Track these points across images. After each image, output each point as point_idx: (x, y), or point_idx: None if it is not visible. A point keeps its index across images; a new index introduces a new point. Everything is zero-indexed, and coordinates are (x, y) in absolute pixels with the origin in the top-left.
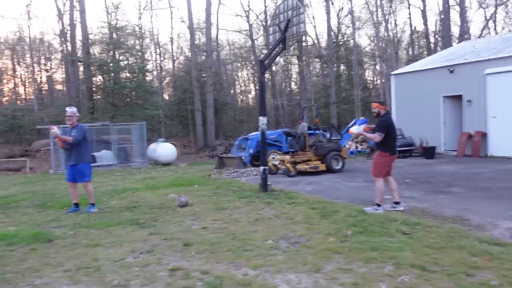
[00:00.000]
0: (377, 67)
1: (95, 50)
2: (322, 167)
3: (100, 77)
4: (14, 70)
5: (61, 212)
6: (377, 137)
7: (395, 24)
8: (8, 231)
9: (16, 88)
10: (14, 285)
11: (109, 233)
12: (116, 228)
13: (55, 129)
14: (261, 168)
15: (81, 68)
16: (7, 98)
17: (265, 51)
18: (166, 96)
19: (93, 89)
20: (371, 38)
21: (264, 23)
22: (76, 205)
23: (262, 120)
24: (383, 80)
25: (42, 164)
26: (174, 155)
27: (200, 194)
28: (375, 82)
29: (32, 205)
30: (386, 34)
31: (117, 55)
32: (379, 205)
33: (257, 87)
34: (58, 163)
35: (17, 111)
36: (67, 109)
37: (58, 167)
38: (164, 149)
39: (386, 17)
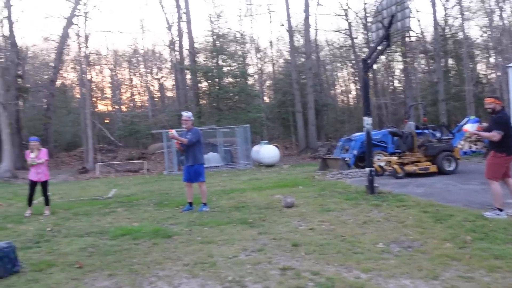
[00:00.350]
0: (491, 59)
1: (201, 57)
2: (433, 168)
3: (205, 83)
4: (130, 80)
5: (177, 210)
6: (496, 135)
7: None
8: (133, 226)
9: (133, 97)
10: (141, 276)
11: (221, 231)
12: (227, 226)
13: (172, 131)
14: (367, 169)
15: (188, 75)
16: (125, 106)
17: (365, 50)
18: (266, 99)
19: (200, 94)
20: (483, 29)
21: (364, 21)
22: (190, 204)
23: (367, 120)
24: (498, 74)
25: (157, 166)
26: (277, 157)
27: (305, 195)
28: (489, 76)
29: (151, 203)
30: (500, 23)
31: (220, 61)
32: (500, 210)
33: (357, 87)
34: (171, 165)
35: (135, 118)
36: (183, 113)
37: (171, 168)
38: (268, 151)
39: (500, 4)
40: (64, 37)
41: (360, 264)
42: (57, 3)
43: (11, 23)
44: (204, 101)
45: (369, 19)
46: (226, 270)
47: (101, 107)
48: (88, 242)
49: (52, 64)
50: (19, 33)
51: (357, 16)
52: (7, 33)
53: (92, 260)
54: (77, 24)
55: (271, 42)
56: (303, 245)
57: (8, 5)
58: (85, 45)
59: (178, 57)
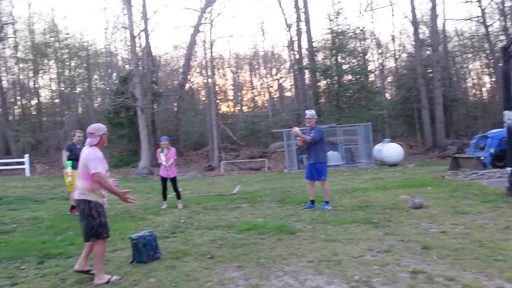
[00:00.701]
0: None
1: (319, 56)
2: None
3: (324, 81)
4: (251, 81)
5: (299, 208)
6: None
7: None
8: (258, 222)
9: (254, 97)
10: (268, 269)
11: (344, 230)
12: (351, 225)
13: (296, 129)
14: (509, 169)
15: (307, 75)
16: (247, 106)
17: (502, 38)
18: (388, 96)
19: (319, 93)
20: None
21: (501, 6)
22: (312, 202)
23: (508, 114)
24: None
25: (277, 164)
26: (401, 156)
27: (434, 196)
28: None
29: (273, 200)
30: None
31: (339, 59)
32: None
33: (493, 79)
34: (291, 163)
35: (255, 118)
36: (307, 112)
37: (291, 167)
38: (391, 150)
39: None
40: (192, 44)
41: (503, 272)
42: (186, 14)
43: (147, 35)
44: (324, 100)
45: (508, 4)
46: (352, 269)
47: (225, 108)
48: (217, 235)
49: (181, 70)
50: (153, 43)
51: (492, 1)
52: (144, 43)
53: (222, 251)
54: (203, 31)
55: (393, 36)
56: (435, 249)
57: (145, 19)
58: (210, 50)
59: (297, 56)
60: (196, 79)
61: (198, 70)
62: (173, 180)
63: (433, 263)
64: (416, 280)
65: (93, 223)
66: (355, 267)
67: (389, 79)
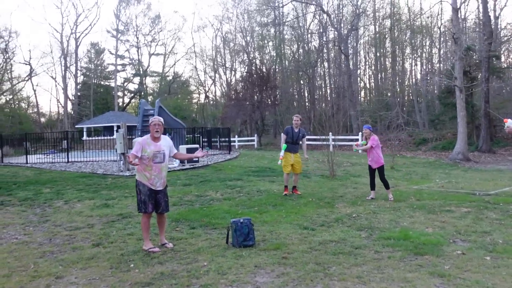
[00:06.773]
0: None
1: None
2: None
3: None
4: None
5: None
6: None
7: None
8: (414, 232)
9: None
10: (297, 285)
11: (480, 267)
12: None
13: (508, 122)
14: None
15: None
16: None
17: None
18: None
19: None
20: None
21: None
22: None
23: None
24: None
25: None
26: None
27: None
28: None
29: None
30: None
31: None
32: None
33: None
34: None
35: None
36: None
37: None
38: None
39: None
40: None
41: None
42: None
43: (485, 2)
44: None
45: None
46: None
47: None
48: (348, 236)
49: None
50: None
51: None
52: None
53: (308, 255)
54: None
55: None
56: None
57: None
58: None
59: None
60: None
61: None
62: (380, 170)
63: None
64: None
65: (136, 198)
66: None
67: None
